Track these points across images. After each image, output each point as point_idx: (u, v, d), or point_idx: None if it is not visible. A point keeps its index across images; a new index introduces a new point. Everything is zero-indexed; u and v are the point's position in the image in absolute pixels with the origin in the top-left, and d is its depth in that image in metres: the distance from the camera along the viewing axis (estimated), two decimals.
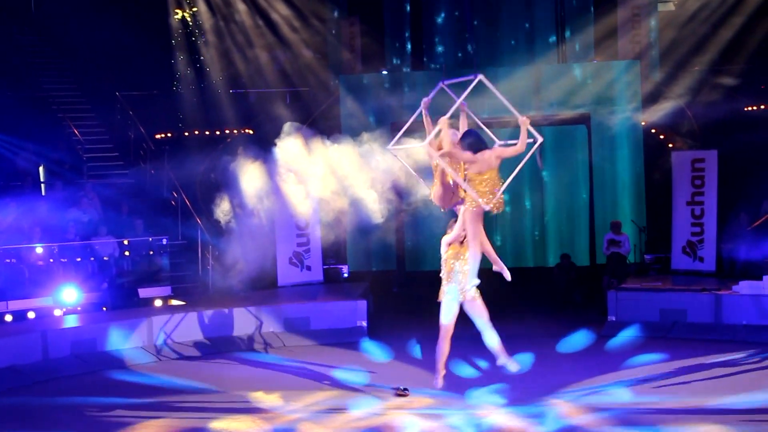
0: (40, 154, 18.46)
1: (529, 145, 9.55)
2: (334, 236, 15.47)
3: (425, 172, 10.24)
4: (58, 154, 18.70)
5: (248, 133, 20.17)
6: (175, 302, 15.29)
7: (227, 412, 10.27)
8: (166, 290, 15.79)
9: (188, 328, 13.87)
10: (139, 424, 9.82)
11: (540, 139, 9.55)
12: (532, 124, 9.70)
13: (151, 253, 16.51)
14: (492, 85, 9.50)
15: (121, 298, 14.97)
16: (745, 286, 13.75)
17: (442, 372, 10.16)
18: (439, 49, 21.04)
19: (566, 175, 20.11)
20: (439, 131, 9.51)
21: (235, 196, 14.03)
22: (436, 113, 9.77)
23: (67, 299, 14.49)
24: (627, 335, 13.84)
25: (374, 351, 13.44)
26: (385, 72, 20.85)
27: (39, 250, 15.28)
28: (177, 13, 21.52)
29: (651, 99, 19.06)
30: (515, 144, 9.52)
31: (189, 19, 21.53)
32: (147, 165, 19.82)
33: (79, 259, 15.70)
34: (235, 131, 20.37)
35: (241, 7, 21.02)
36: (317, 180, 13.07)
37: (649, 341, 13.49)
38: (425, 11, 21.09)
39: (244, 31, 21.08)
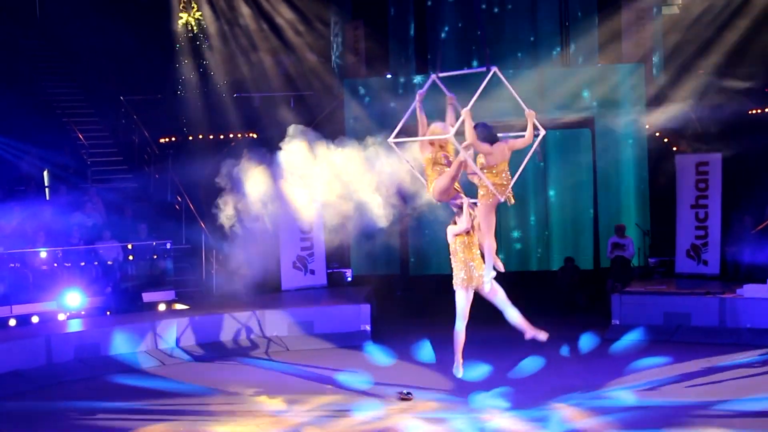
0: (45, 159, 18.46)
1: (534, 138, 9.63)
2: (338, 240, 15.46)
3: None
4: (62, 159, 18.70)
5: (252, 137, 20.16)
6: (178, 306, 15.29)
7: (231, 415, 10.28)
8: (170, 294, 15.78)
9: (192, 332, 13.88)
10: (143, 427, 9.84)
11: (543, 132, 9.68)
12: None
13: (155, 257, 16.53)
14: (500, 82, 9.51)
15: (124, 302, 14.99)
16: (749, 290, 13.73)
17: (460, 360, 10.08)
18: (444, 52, 21.00)
19: (570, 178, 20.06)
20: (463, 121, 9.42)
21: (239, 200, 14.03)
22: (432, 115, 9.78)
23: (71, 303, 14.50)
24: (631, 339, 13.82)
25: (378, 355, 13.44)
26: (389, 76, 20.84)
27: (43, 254, 15.29)
28: (181, 18, 21.53)
29: (655, 102, 19.00)
30: (523, 136, 9.59)
31: (193, 23, 21.54)
32: (151, 169, 19.83)
33: (83, 264, 15.71)
34: (239, 135, 20.35)
35: (245, 11, 21.01)
36: (321, 184, 13.06)
37: (653, 345, 13.47)
38: (429, 16, 21.07)
39: (248, 35, 21.08)
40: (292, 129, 12.89)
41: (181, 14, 21.47)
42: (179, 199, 18.61)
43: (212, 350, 13.72)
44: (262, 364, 13.12)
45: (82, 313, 14.56)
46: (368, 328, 14.48)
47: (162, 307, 15.25)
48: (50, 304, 14.47)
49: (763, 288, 13.57)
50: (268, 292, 16.18)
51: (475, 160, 9.54)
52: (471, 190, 9.90)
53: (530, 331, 10.03)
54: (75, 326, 13.59)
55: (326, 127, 17.81)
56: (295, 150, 12.77)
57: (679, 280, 16.17)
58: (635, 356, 12.67)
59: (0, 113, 17.65)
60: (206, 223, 17.06)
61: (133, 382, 12.11)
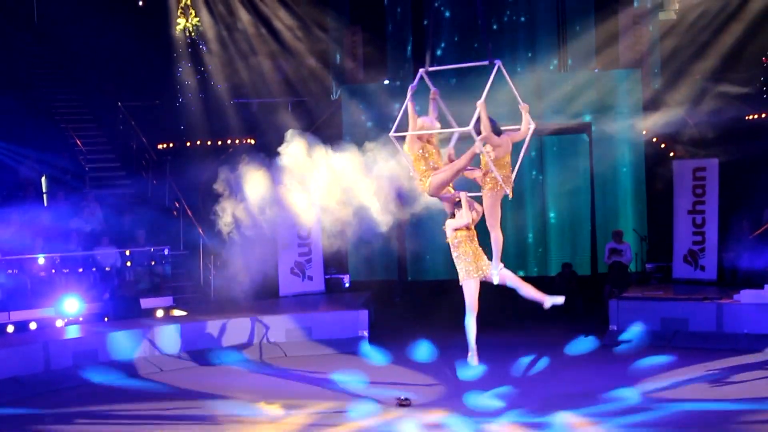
0: (43, 164, 18.46)
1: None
2: (336, 246, 15.45)
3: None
4: (60, 164, 18.71)
5: (250, 142, 20.17)
6: (177, 312, 15.28)
7: (230, 421, 10.29)
8: (168, 300, 15.78)
9: (190, 338, 13.88)
10: None
11: (533, 125, 9.79)
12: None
13: (153, 263, 16.53)
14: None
15: (122, 308, 14.96)
16: (746, 295, 13.74)
17: (475, 349, 10.00)
18: (444, 53, 21.01)
19: (567, 183, 20.09)
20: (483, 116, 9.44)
21: (237, 205, 14.04)
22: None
23: (69, 310, 14.48)
24: (628, 344, 13.83)
25: (376, 360, 13.44)
26: (387, 81, 20.88)
27: (41, 260, 15.29)
28: (180, 23, 21.53)
29: (652, 107, 19.05)
30: (519, 129, 9.74)
31: (191, 28, 21.55)
32: (149, 175, 19.83)
33: (81, 270, 15.71)
34: (238, 140, 20.36)
35: (244, 16, 21.03)
36: (320, 189, 13.07)
37: (651, 350, 13.48)
38: (428, 20, 21.08)
39: (247, 40, 21.10)
40: (290, 134, 12.91)
41: (179, 20, 21.48)
42: (177, 204, 18.61)
43: (210, 356, 13.71)
44: (260, 370, 13.13)
45: (80, 319, 14.54)
46: (366, 333, 14.48)
47: (160, 313, 15.24)
48: (48, 310, 14.45)
49: (760, 293, 13.59)
50: (266, 298, 16.18)
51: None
52: (463, 185, 9.94)
53: (548, 300, 10.05)
54: (73, 332, 13.58)
55: (324, 131, 17.84)
56: (294, 155, 12.78)
57: (676, 285, 16.19)
58: (632, 361, 12.69)
59: None
60: (204, 228, 17.07)
61: (132, 388, 12.12)
